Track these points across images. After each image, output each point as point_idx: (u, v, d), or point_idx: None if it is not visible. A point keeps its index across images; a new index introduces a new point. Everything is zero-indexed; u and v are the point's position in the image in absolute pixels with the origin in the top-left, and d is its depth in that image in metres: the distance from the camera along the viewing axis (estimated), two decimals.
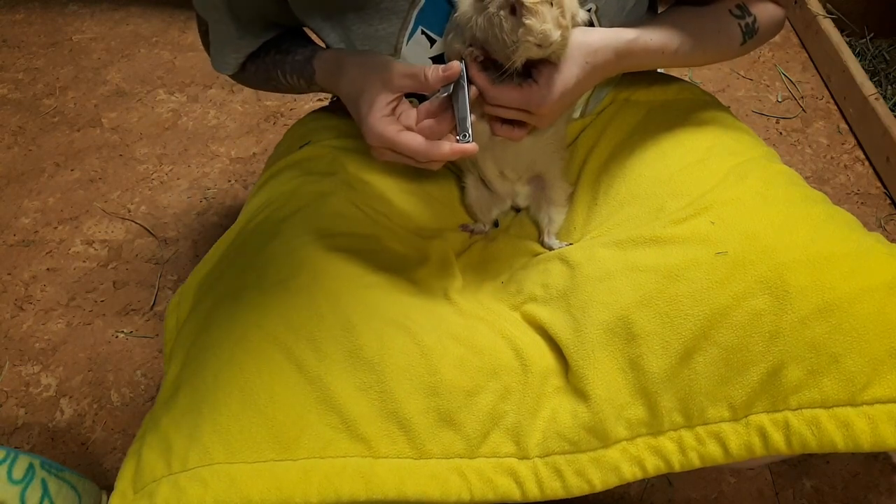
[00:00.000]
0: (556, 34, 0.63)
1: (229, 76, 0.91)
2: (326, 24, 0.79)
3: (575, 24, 0.69)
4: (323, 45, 0.85)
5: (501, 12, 0.64)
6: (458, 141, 0.67)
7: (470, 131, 0.67)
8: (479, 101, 0.71)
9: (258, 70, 0.88)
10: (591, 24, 0.76)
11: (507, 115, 0.72)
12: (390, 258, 0.75)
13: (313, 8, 0.78)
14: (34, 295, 1.34)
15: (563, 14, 0.64)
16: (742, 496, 1.00)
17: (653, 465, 0.64)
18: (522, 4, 0.62)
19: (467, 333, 0.67)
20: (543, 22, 0.62)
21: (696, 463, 0.63)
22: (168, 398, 0.64)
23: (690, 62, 0.81)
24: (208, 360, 0.64)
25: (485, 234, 0.90)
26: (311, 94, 1.80)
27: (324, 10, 0.78)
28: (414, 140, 0.68)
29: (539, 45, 0.64)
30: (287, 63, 0.84)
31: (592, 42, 0.71)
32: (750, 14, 0.80)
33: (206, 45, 0.91)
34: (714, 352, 0.62)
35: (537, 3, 0.62)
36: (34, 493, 0.85)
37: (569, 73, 0.69)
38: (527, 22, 0.62)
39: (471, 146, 0.67)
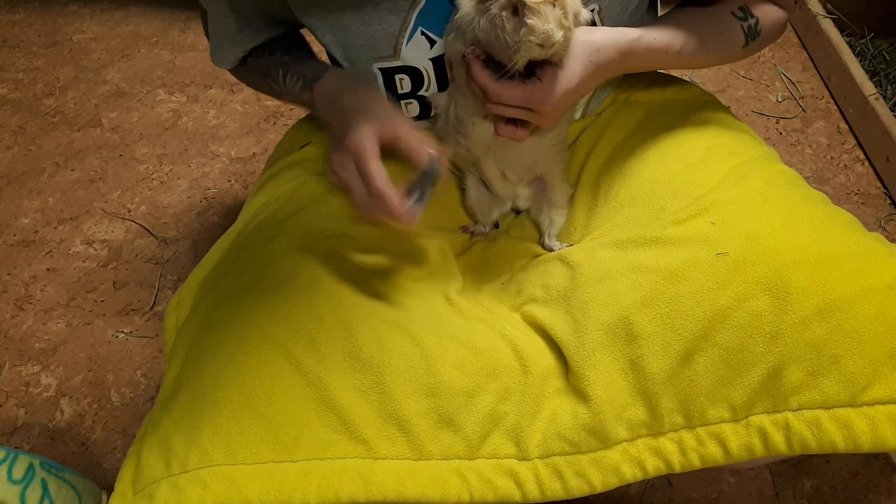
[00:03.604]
0: (558, 34, 0.63)
1: (228, 70, 0.91)
2: (324, 23, 0.79)
3: (577, 24, 0.69)
4: (318, 44, 0.85)
5: (503, 13, 0.64)
6: (408, 209, 0.64)
7: (418, 213, 0.64)
8: (483, 101, 0.71)
9: (258, 66, 0.87)
10: (593, 24, 0.76)
11: (510, 113, 0.71)
12: (390, 259, 0.75)
13: (312, 6, 0.78)
14: (34, 295, 1.34)
15: (565, 15, 0.64)
16: (742, 496, 1.00)
17: (653, 466, 0.64)
18: (525, 4, 0.62)
19: (467, 334, 0.67)
20: (546, 22, 0.62)
21: (697, 464, 0.63)
22: (168, 399, 0.64)
23: (694, 63, 0.81)
24: (208, 361, 0.64)
25: (485, 236, 0.90)
26: None
27: (323, 8, 0.78)
28: (381, 176, 0.63)
29: (541, 46, 0.63)
30: (291, 65, 0.83)
31: (595, 41, 0.71)
32: (752, 16, 0.80)
33: (209, 35, 0.90)
34: (714, 352, 0.62)
35: (540, 3, 0.62)
36: (34, 493, 0.85)
37: (572, 71, 0.69)
38: (529, 22, 0.62)
39: (408, 221, 0.63)
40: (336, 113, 0.74)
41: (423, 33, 0.77)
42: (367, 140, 0.65)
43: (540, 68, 0.69)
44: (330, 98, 0.77)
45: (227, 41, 0.85)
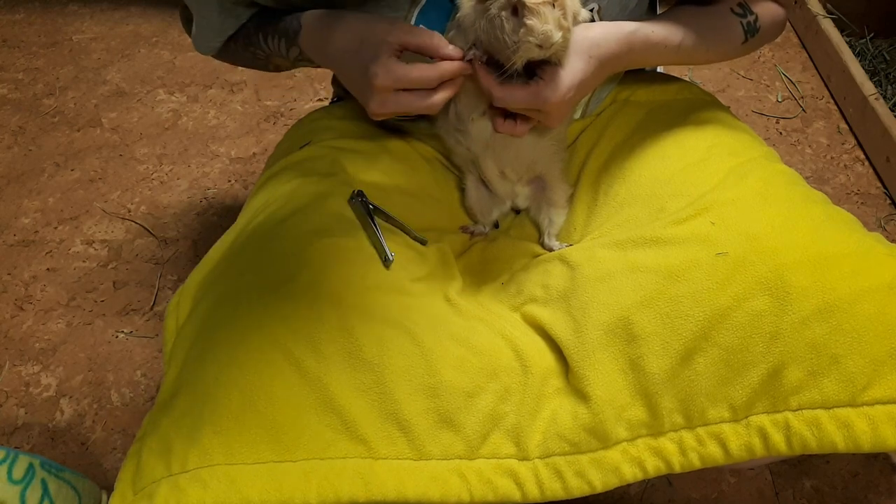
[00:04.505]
0: (557, 35, 0.63)
1: (212, 56, 0.91)
2: None
3: (576, 23, 0.69)
4: None
5: (503, 13, 0.64)
6: (383, 262, 0.70)
7: (390, 255, 0.71)
8: (484, 98, 0.71)
9: (239, 37, 0.87)
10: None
11: (516, 111, 0.72)
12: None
13: (312, 4, 0.78)
14: (34, 295, 1.34)
15: (564, 15, 0.64)
16: (742, 496, 1.00)
17: (653, 466, 0.64)
18: (524, 5, 0.62)
19: (467, 334, 0.67)
20: (545, 23, 0.62)
21: (697, 464, 0.63)
22: (168, 399, 0.64)
23: (694, 59, 0.81)
24: (208, 361, 0.64)
25: (485, 236, 0.90)
26: (311, 94, 1.80)
27: (325, 5, 0.78)
28: (424, 67, 0.68)
29: (540, 46, 0.64)
30: (270, 25, 0.83)
31: (594, 36, 0.71)
32: (752, 13, 0.80)
33: (185, 19, 0.89)
34: (714, 352, 0.62)
35: (539, 3, 0.62)
36: (34, 493, 0.85)
37: (573, 67, 0.69)
38: (528, 22, 0.62)
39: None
40: (335, 60, 0.76)
41: None
42: (394, 65, 0.68)
43: (541, 68, 0.69)
44: (318, 48, 0.78)
45: (210, 32, 0.84)
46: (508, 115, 0.73)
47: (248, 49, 0.87)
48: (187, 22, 0.90)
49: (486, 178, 0.85)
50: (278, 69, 0.89)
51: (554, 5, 0.63)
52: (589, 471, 0.64)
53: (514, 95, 0.69)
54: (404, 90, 0.69)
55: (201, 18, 0.83)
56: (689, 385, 0.63)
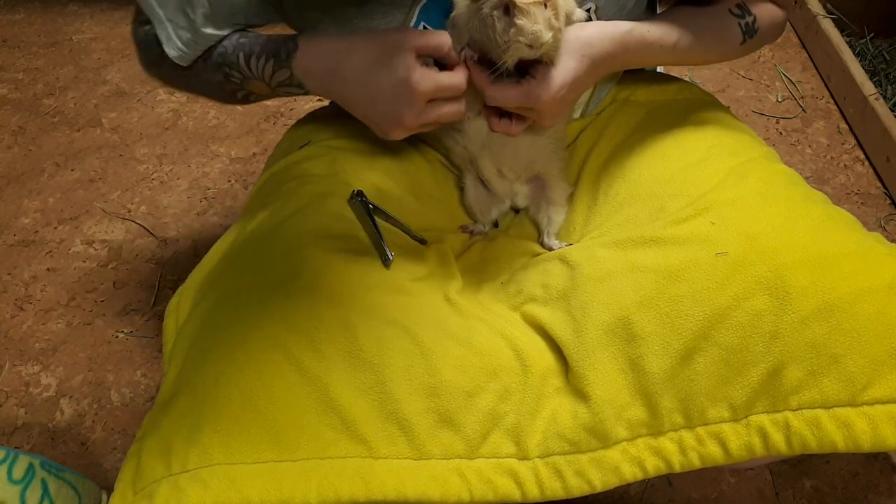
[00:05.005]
0: (547, 35, 0.63)
1: (158, 79, 0.84)
2: (326, 18, 0.78)
3: (570, 24, 0.69)
4: None
5: (495, 13, 0.64)
6: (383, 262, 0.71)
7: (389, 255, 0.72)
8: (480, 97, 0.72)
9: (209, 59, 0.78)
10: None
11: (509, 108, 0.72)
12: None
13: (313, 2, 0.78)
14: (34, 295, 1.34)
15: (556, 16, 0.64)
16: (742, 496, 1.00)
17: (653, 466, 0.64)
18: (515, 5, 0.62)
19: (467, 334, 0.67)
20: (535, 23, 0.62)
21: (697, 463, 0.63)
22: (167, 399, 0.64)
23: (691, 59, 0.81)
24: (208, 361, 0.64)
25: (484, 235, 0.90)
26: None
27: (324, 4, 0.78)
28: (451, 73, 0.69)
29: (530, 46, 0.64)
30: (256, 45, 0.75)
31: (587, 35, 0.71)
32: (750, 14, 0.80)
33: (139, 35, 0.81)
34: (714, 352, 0.62)
35: (530, 3, 0.62)
36: (34, 493, 0.85)
37: (565, 66, 0.69)
38: (518, 22, 0.62)
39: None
40: (352, 79, 0.71)
41: (425, 28, 0.77)
42: (429, 75, 0.68)
43: (533, 67, 0.69)
44: (326, 68, 0.73)
45: (186, 40, 0.76)
46: (504, 114, 0.73)
47: (220, 69, 0.78)
48: (144, 50, 0.81)
49: (484, 177, 0.85)
50: (245, 99, 0.83)
51: (546, 5, 0.63)
52: (589, 470, 0.64)
53: (505, 94, 0.69)
54: (434, 100, 0.70)
55: (175, 29, 0.75)
56: (689, 385, 0.63)
